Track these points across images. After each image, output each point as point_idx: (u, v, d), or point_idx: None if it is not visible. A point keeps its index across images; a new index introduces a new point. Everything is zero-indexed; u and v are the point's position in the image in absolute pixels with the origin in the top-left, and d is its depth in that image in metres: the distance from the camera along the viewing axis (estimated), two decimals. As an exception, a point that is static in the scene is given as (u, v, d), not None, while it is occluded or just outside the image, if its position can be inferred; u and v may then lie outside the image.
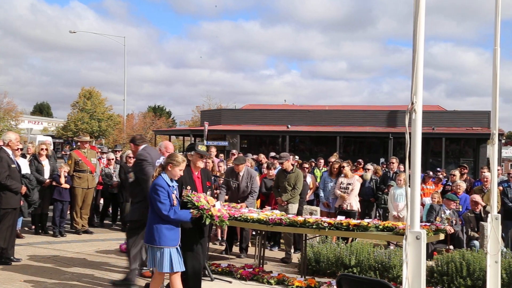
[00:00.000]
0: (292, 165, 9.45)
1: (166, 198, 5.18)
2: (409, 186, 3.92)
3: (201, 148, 6.09)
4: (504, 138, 42.61)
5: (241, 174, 9.07)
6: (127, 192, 9.15)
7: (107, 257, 8.40)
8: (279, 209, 8.85)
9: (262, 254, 7.90)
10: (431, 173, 12.32)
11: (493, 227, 5.77)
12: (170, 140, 35.75)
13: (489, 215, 5.88)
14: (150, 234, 5.24)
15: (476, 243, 8.87)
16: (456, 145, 29.80)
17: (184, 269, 5.37)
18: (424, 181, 11.77)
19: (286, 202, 9.08)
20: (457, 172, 11.88)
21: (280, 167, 9.52)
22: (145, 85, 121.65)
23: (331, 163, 11.06)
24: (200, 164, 5.97)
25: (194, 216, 5.32)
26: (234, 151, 15.24)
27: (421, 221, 8.76)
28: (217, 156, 13.06)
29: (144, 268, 7.09)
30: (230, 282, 7.03)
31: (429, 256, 8.56)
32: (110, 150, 21.33)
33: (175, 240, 5.28)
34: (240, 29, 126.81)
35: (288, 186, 9.13)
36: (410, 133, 3.78)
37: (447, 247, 9.01)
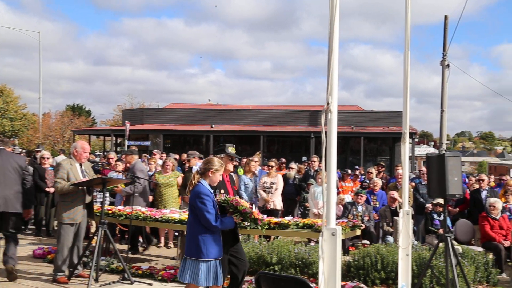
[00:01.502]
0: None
1: (212, 207, 4.89)
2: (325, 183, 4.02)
3: (231, 150, 5.95)
4: (417, 137, 44.94)
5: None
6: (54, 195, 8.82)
7: (19, 264, 7.96)
8: (183, 207, 8.80)
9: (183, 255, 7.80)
10: (349, 171, 12.76)
11: (404, 221, 6.07)
12: (89, 140, 34.51)
13: (401, 210, 6.18)
14: (196, 247, 4.86)
15: (390, 237, 9.29)
16: (374, 144, 31.08)
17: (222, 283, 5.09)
18: (342, 179, 12.17)
19: None
20: (373, 170, 12.39)
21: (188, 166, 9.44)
22: (63, 82, 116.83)
23: (245, 162, 11.14)
24: (230, 167, 5.83)
25: (237, 221, 5.10)
26: (156, 151, 14.98)
27: (340, 218, 9.06)
28: (140, 156, 12.76)
29: (60, 273, 6.82)
30: (150, 284, 6.89)
31: (346, 252, 8.87)
32: (24, 150, 20.22)
33: (221, 250, 5.01)
34: (164, 26, 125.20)
35: None
36: (326, 132, 3.88)
37: (360, 242, 9.36)
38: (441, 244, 6.75)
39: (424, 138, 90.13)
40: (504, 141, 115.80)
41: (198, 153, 12.80)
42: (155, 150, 14.98)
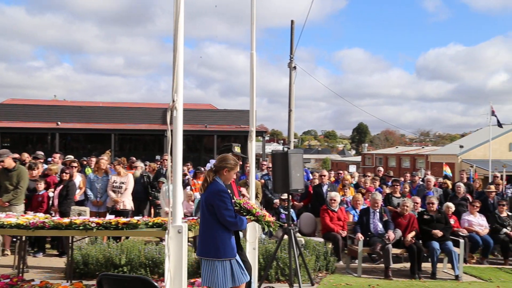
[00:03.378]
0: (15, 162, 8.75)
1: (230, 205, 4.76)
2: (171, 182, 4.00)
3: (237, 149, 5.73)
4: (268, 135, 46.86)
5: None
6: None
7: None
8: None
9: (22, 262, 7.23)
10: (202, 169, 12.87)
11: (251, 216, 6.29)
12: None
13: (248, 206, 6.39)
14: (214, 246, 4.69)
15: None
16: (227, 142, 31.76)
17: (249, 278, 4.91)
18: (196, 176, 12.24)
19: (8, 203, 8.33)
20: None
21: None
22: None
23: (96, 161, 10.71)
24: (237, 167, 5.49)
25: (249, 222, 5.03)
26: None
27: (193, 216, 9.11)
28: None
29: None
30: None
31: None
32: None
33: (235, 250, 4.83)
34: (1, 14, 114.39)
35: (10, 185, 8.43)
36: (172, 130, 3.86)
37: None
38: (286, 237, 7.13)
39: (274, 136, 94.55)
40: (345, 140, 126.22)
41: (42, 153, 11.96)
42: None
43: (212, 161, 5.26)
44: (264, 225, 5.21)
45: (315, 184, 12.00)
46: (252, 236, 6.30)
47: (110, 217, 6.81)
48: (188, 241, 9.52)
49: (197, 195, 10.87)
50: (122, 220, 6.56)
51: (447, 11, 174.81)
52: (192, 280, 6.51)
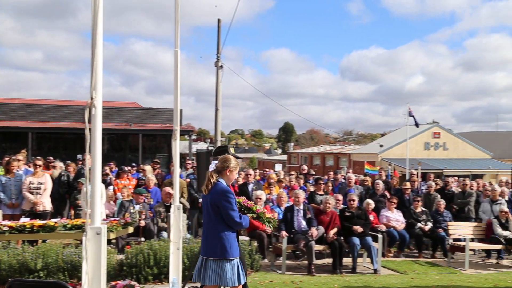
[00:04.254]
0: None
1: (235, 205, 4.84)
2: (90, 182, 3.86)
3: (232, 150, 5.80)
4: (195, 134, 46.57)
5: None
6: None
7: None
8: None
9: None
10: (126, 168, 12.58)
11: (175, 216, 6.21)
12: None
13: (172, 205, 6.31)
14: (221, 246, 4.75)
15: (165, 233, 9.43)
16: (152, 141, 31.21)
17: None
18: (119, 176, 11.94)
19: None
20: (148, 167, 12.43)
21: None
22: None
23: (7, 162, 10.13)
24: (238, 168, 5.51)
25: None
26: None
27: (114, 217, 8.86)
28: None
29: None
30: None
31: (121, 251, 8.73)
32: None
33: (239, 249, 4.94)
34: None
35: None
36: (90, 129, 3.73)
37: (139, 239, 9.32)
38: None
39: (201, 135, 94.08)
40: (271, 139, 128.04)
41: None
42: None
43: (215, 162, 5.22)
44: (265, 222, 5.32)
45: (241, 183, 12.06)
46: (176, 236, 6.20)
47: (25, 220, 6.47)
48: (111, 243, 9.27)
49: (120, 196, 10.59)
50: (38, 222, 6.26)
51: (369, 15, 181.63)
52: (113, 283, 6.34)
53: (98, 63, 3.71)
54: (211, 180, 4.93)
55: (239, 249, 5.07)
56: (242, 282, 4.92)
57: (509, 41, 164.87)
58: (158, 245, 7.48)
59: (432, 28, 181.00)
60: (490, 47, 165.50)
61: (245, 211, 5.15)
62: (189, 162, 13.27)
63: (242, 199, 5.29)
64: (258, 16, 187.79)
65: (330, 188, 12.16)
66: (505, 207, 11.17)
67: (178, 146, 6.54)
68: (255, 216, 5.23)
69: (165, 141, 30.97)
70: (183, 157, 21.00)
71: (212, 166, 5.15)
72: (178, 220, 6.25)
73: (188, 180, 11.81)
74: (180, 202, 9.41)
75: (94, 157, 3.82)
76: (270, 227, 5.58)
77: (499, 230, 10.63)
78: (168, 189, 10.55)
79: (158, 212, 10.00)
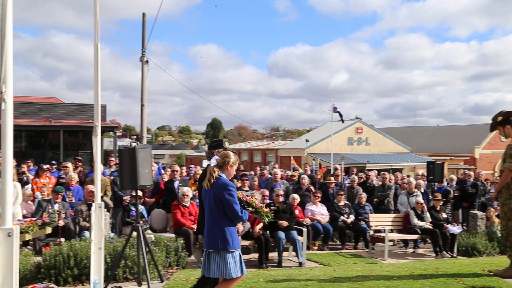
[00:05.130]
0: None
1: (237, 199, 4.99)
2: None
3: (228, 145, 5.81)
4: (121, 130, 45.36)
5: None
6: None
7: None
8: None
9: None
10: (45, 166, 12.02)
11: (96, 215, 6.02)
12: None
13: (93, 204, 6.11)
14: (224, 239, 4.90)
15: (87, 233, 9.12)
16: (75, 138, 30.07)
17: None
18: (38, 175, 11.40)
19: None
20: (70, 165, 11.96)
21: None
22: None
23: None
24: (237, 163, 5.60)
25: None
26: None
27: (32, 217, 8.44)
28: None
29: None
30: None
31: (39, 252, 8.35)
32: None
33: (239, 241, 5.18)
34: None
35: None
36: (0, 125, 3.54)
37: (58, 240, 8.96)
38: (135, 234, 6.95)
39: (127, 132, 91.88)
40: (199, 135, 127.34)
41: None
42: None
43: (215, 158, 5.24)
44: (263, 216, 5.43)
45: (166, 179, 11.90)
46: (98, 235, 6.02)
47: None
48: (28, 245, 8.82)
49: (38, 195, 10.12)
50: None
51: (295, 12, 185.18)
52: (29, 287, 6.04)
53: (8, 55, 3.53)
54: (213, 175, 5.07)
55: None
56: (245, 273, 5.11)
57: (426, 41, 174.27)
58: (79, 245, 7.21)
59: (355, 27, 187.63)
60: (408, 46, 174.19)
61: (245, 206, 5.30)
62: (113, 159, 12.90)
63: (240, 194, 5.39)
64: (186, 11, 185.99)
65: (257, 183, 12.27)
66: (420, 199, 11.78)
67: (99, 142, 6.34)
68: (252, 210, 5.38)
69: (88, 138, 29.94)
70: (108, 154, 20.40)
71: (213, 161, 5.22)
72: (100, 218, 6.06)
73: (112, 177, 11.49)
74: (103, 201, 9.17)
75: (5, 155, 3.63)
76: (267, 222, 5.68)
77: (415, 220, 11.19)
78: (90, 187, 10.20)
79: (80, 211, 9.66)
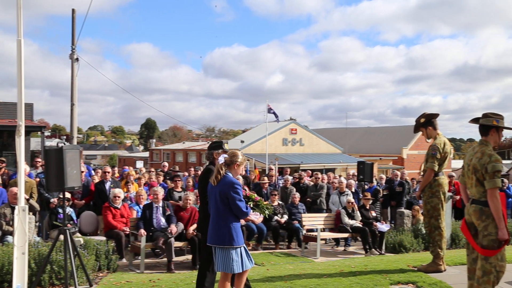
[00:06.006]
0: None
1: (242, 196, 5.17)
2: None
3: (227, 146, 6.18)
4: (49, 130, 43.70)
5: None
6: None
7: None
8: None
9: None
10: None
11: (20, 219, 5.74)
12: None
13: (16, 207, 5.83)
14: (229, 235, 5.10)
15: (10, 237, 8.68)
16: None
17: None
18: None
19: None
20: (-7, 166, 11.35)
21: None
22: None
23: None
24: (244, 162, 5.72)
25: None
26: None
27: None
28: None
29: None
30: None
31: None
32: None
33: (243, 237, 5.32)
34: None
35: None
36: None
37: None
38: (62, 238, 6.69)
39: (56, 132, 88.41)
40: (133, 135, 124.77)
41: None
42: None
43: (224, 156, 5.43)
44: (264, 210, 5.55)
45: (97, 181, 11.56)
46: (21, 240, 5.74)
47: None
48: None
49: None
50: None
51: (232, 13, 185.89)
52: None
53: None
54: (221, 172, 5.25)
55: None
56: (250, 267, 5.25)
57: (358, 44, 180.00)
58: (0, 251, 6.84)
59: (290, 29, 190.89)
60: (341, 49, 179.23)
61: (246, 200, 5.40)
62: (39, 160, 12.35)
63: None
64: (119, 9, 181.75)
65: (191, 184, 12.17)
66: (351, 198, 12.12)
67: (23, 142, 6.08)
68: (252, 204, 5.48)
69: (13, 138, 28.58)
70: (35, 155, 19.52)
71: (221, 160, 5.34)
72: (23, 222, 5.79)
73: (38, 179, 11.00)
74: (29, 203, 8.77)
75: None
76: (267, 215, 5.80)
77: (346, 219, 11.49)
78: (14, 189, 9.70)
79: (3, 214, 9.17)
